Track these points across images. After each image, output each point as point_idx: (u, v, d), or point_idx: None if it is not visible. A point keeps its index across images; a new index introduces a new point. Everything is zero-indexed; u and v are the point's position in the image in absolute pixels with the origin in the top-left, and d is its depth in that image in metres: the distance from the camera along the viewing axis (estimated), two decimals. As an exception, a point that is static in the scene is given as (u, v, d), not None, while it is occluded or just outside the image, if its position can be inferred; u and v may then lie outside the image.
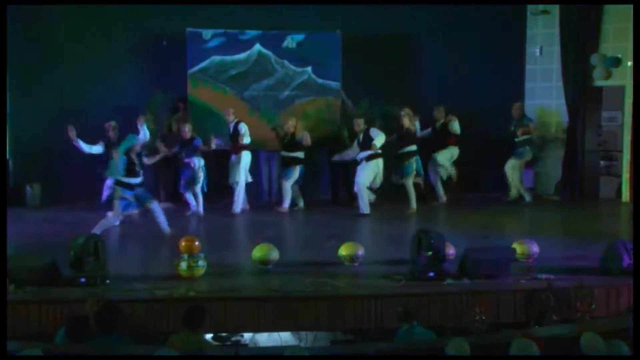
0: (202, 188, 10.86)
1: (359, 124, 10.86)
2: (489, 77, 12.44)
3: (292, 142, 11.10)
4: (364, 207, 10.75)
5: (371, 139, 10.65)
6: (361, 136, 10.83)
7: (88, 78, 11.89)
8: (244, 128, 10.98)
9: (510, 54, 12.82)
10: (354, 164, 11.06)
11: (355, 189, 10.81)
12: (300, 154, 11.15)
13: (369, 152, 10.72)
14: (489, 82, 12.40)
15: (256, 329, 6.87)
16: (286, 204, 11.04)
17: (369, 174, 10.75)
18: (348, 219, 10.64)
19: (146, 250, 8.73)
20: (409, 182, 11.16)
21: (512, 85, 12.86)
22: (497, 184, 12.33)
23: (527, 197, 11.95)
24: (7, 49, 10.50)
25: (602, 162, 13.24)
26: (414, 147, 11.20)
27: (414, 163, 11.18)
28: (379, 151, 10.76)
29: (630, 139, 11.67)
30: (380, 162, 10.80)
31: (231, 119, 11.10)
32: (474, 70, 12.47)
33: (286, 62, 11.98)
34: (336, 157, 11.46)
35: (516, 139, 11.95)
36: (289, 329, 6.97)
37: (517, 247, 7.62)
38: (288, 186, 11.06)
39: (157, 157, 10.12)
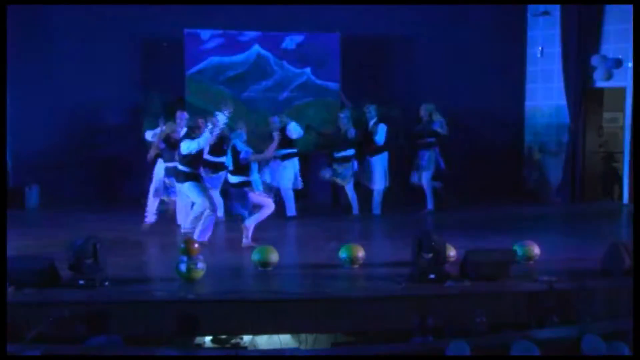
0: None
1: (274, 122, 10.46)
2: (489, 78, 12.42)
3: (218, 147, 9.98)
4: (291, 209, 10.61)
5: (288, 137, 10.41)
6: (276, 134, 9.93)
7: (87, 79, 11.85)
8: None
9: (511, 55, 12.82)
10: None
11: (283, 194, 10.61)
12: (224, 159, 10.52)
13: (287, 151, 10.50)
14: (490, 84, 12.38)
15: (256, 332, 6.85)
16: (220, 212, 9.96)
17: (289, 174, 10.60)
18: (348, 221, 10.62)
19: (145, 253, 8.71)
20: (349, 186, 10.90)
21: (513, 87, 12.87)
22: (499, 184, 12.31)
23: (430, 205, 11.17)
24: (7, 49, 10.51)
25: (602, 164, 13.22)
26: (351, 152, 10.85)
27: (351, 168, 10.84)
28: (295, 150, 10.64)
29: (631, 140, 11.67)
30: (296, 161, 10.65)
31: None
32: (475, 71, 12.44)
33: (285, 64, 11.96)
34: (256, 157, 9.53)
35: (419, 141, 11.05)
36: (288, 331, 6.95)
37: (518, 249, 7.62)
38: (217, 194, 10.12)
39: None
